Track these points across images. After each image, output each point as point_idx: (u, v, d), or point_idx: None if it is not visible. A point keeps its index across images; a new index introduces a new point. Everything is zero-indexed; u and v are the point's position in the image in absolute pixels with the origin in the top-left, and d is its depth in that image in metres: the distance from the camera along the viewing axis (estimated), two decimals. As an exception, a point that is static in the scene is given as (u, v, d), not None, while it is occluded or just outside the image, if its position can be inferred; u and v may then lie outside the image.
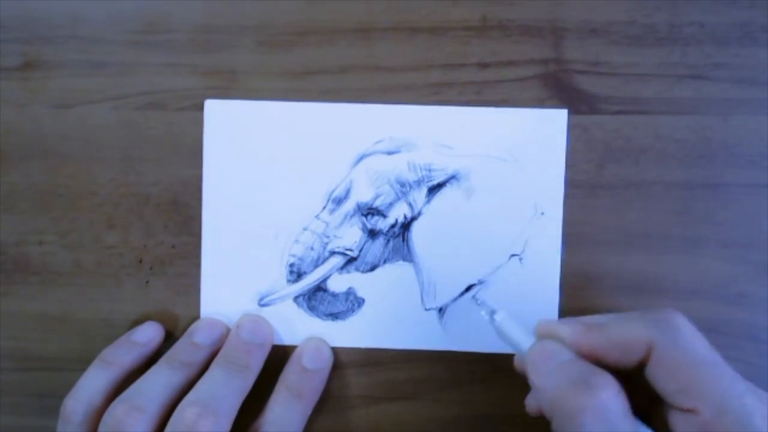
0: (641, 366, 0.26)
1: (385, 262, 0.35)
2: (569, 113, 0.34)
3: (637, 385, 0.26)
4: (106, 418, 0.30)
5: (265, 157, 0.34)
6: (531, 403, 0.29)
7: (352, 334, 0.35)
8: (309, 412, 0.33)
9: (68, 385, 0.35)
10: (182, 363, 0.32)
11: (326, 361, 0.34)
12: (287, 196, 0.34)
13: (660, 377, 0.25)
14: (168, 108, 0.35)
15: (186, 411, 0.29)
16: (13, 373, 0.36)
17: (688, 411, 0.24)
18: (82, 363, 0.35)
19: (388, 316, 0.35)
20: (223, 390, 0.31)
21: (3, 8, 0.35)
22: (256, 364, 0.33)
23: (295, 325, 0.35)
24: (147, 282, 0.35)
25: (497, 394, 0.35)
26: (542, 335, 0.28)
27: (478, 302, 0.31)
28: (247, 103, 0.34)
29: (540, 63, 0.34)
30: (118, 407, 0.30)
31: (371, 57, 0.34)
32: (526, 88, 0.34)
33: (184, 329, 0.34)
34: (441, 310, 0.34)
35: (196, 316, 0.35)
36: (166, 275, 0.35)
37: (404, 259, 0.35)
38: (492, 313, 0.30)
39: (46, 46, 0.35)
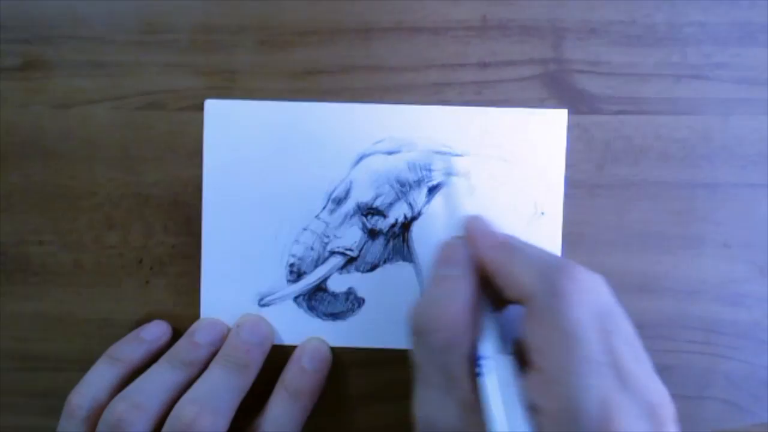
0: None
1: (385, 262, 0.35)
2: (569, 113, 0.34)
3: None
4: (106, 415, 0.30)
5: (265, 157, 0.34)
6: None
7: (352, 334, 0.35)
8: (308, 412, 0.33)
9: (68, 385, 0.35)
10: (183, 362, 0.32)
11: (325, 361, 0.34)
12: (287, 196, 0.34)
13: (526, 328, 0.26)
14: (168, 108, 0.35)
15: (184, 409, 0.29)
16: (13, 373, 0.36)
17: (539, 369, 0.24)
18: (82, 363, 0.35)
19: (388, 316, 0.35)
20: (222, 389, 0.31)
21: (3, 8, 0.35)
22: (255, 364, 0.33)
23: (295, 325, 0.35)
24: (147, 282, 0.35)
25: (497, 394, 0.35)
26: (466, 229, 0.29)
27: (448, 162, 0.32)
28: (247, 103, 0.34)
29: (540, 63, 0.34)
30: (118, 405, 0.30)
31: (371, 57, 0.34)
32: (526, 88, 0.34)
33: (185, 329, 0.34)
34: (441, 310, 0.34)
35: (197, 316, 0.35)
36: (166, 275, 0.35)
37: (404, 259, 0.35)
38: (449, 174, 0.31)
39: (46, 46, 0.35)
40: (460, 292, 0.27)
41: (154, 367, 0.32)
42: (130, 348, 0.33)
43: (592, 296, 0.25)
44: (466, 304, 0.27)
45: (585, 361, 0.23)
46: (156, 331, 0.34)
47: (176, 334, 0.35)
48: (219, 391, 0.31)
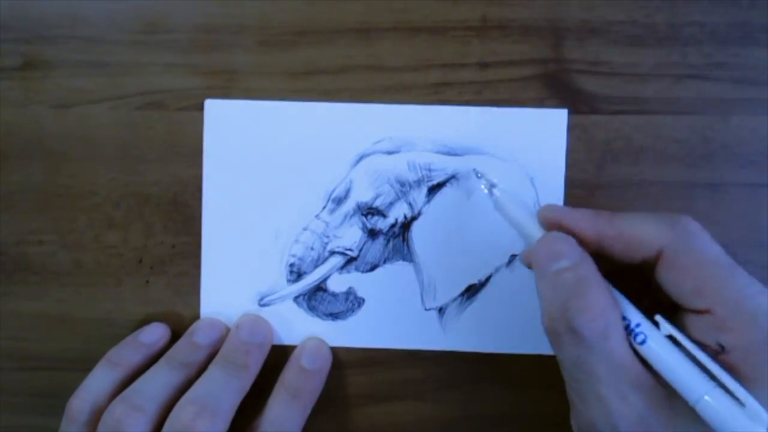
0: (648, 266, 0.26)
1: (385, 262, 0.35)
2: (569, 113, 0.34)
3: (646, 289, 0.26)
4: (106, 417, 0.30)
5: (265, 157, 0.34)
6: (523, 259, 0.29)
7: (352, 334, 0.35)
8: (308, 412, 0.33)
9: (68, 385, 0.35)
10: (182, 363, 0.32)
11: (325, 361, 0.34)
12: (287, 196, 0.34)
13: (672, 279, 0.25)
14: (168, 108, 0.35)
15: (183, 410, 0.29)
16: (13, 373, 0.36)
17: (702, 312, 0.24)
18: (81, 363, 0.35)
19: (388, 316, 0.35)
20: (221, 390, 0.31)
21: (3, 8, 0.35)
22: (254, 364, 0.33)
23: (295, 325, 0.35)
24: (147, 282, 0.35)
25: (497, 394, 0.35)
26: (547, 221, 0.28)
27: (478, 175, 0.31)
28: (247, 103, 0.34)
29: (540, 63, 0.34)
30: (117, 407, 0.30)
31: (371, 57, 0.34)
32: (526, 88, 0.34)
33: (185, 329, 0.35)
34: (441, 310, 0.34)
35: (196, 316, 0.35)
36: (166, 275, 0.35)
37: (404, 259, 0.35)
38: (491, 186, 0.30)
39: (46, 46, 0.35)
40: (592, 275, 0.25)
41: (153, 369, 0.32)
42: (129, 352, 0.33)
43: (705, 229, 0.26)
44: (603, 284, 0.25)
45: (749, 281, 0.24)
46: (155, 334, 0.34)
47: (175, 335, 0.35)
48: (218, 392, 0.31)
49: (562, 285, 0.25)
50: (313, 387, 0.33)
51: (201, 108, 0.34)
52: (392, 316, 0.35)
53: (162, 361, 0.32)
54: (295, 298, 0.35)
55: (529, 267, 0.29)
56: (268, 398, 0.33)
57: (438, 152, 0.34)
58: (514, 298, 0.34)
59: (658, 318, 0.25)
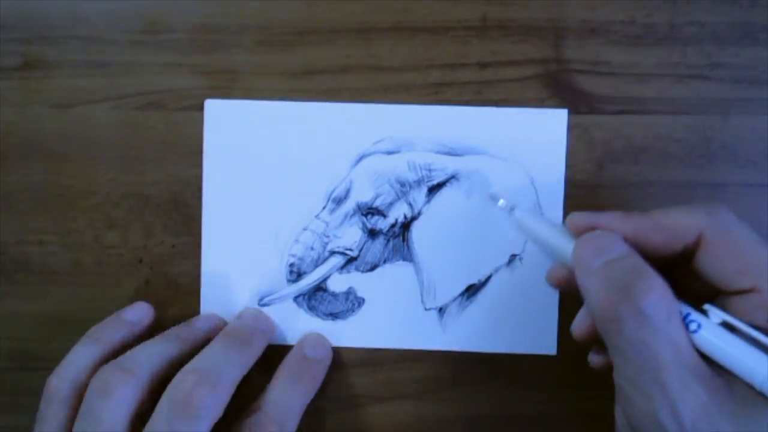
0: (686, 256, 0.26)
1: (385, 262, 0.35)
2: (569, 113, 0.34)
3: (684, 283, 0.26)
4: (93, 380, 0.29)
5: (265, 157, 0.34)
6: (578, 325, 0.28)
7: (352, 334, 0.35)
8: (309, 398, 0.33)
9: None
10: (178, 337, 0.32)
11: (327, 351, 0.34)
12: (287, 196, 0.34)
13: (714, 262, 0.25)
14: (168, 108, 0.35)
15: (183, 378, 0.29)
16: (13, 373, 0.36)
17: (748, 291, 0.24)
18: (82, 363, 0.35)
19: (388, 316, 0.35)
20: (223, 362, 0.30)
21: (3, 8, 0.35)
22: (258, 344, 0.32)
23: (295, 325, 0.35)
24: (147, 282, 0.35)
25: (497, 394, 0.35)
26: (577, 227, 0.27)
27: (496, 198, 0.31)
28: (247, 103, 0.34)
29: (540, 63, 0.34)
30: (105, 369, 0.29)
31: (371, 57, 0.34)
32: (526, 88, 0.34)
33: (184, 329, 0.35)
34: (441, 310, 0.34)
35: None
36: (166, 275, 0.35)
37: (404, 259, 0.35)
38: (511, 209, 0.30)
39: (46, 46, 0.35)
40: (641, 261, 0.25)
41: (146, 341, 0.31)
42: (111, 329, 0.32)
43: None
44: (653, 270, 0.25)
45: None
46: (139, 312, 0.34)
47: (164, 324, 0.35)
48: (219, 364, 0.30)
49: (617, 272, 0.25)
50: (315, 375, 0.33)
51: (201, 108, 0.34)
52: (392, 316, 0.35)
53: (157, 336, 0.32)
54: (295, 298, 0.35)
55: (558, 286, 0.29)
56: (270, 381, 0.33)
57: (438, 152, 0.34)
58: (514, 298, 0.34)
59: (707, 307, 0.25)
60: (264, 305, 0.35)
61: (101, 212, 0.35)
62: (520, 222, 0.30)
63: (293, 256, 0.34)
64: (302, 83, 0.34)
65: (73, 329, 0.35)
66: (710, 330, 0.24)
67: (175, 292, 0.35)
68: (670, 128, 0.34)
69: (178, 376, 0.29)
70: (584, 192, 0.34)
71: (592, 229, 0.27)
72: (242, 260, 0.35)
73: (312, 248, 0.34)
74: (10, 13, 0.35)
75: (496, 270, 0.34)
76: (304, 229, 0.34)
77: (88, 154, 0.35)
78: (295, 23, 0.34)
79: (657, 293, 0.24)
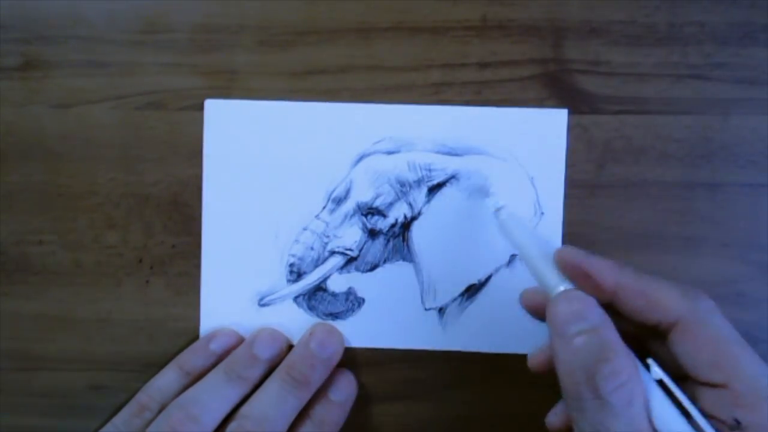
0: (660, 332, 0.26)
1: (385, 262, 0.35)
2: (569, 113, 0.34)
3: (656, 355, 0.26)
4: (161, 420, 0.31)
5: (265, 157, 0.34)
6: (552, 420, 0.29)
7: (352, 334, 0.35)
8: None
9: (68, 385, 0.35)
10: (240, 376, 0.32)
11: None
12: (287, 196, 0.34)
13: (689, 350, 0.25)
14: (168, 108, 0.35)
15: (239, 426, 0.30)
16: (13, 373, 0.36)
17: (717, 386, 0.24)
18: (81, 363, 0.35)
19: (388, 316, 0.35)
20: (277, 410, 0.31)
21: (3, 8, 0.35)
22: (316, 380, 0.33)
23: (295, 325, 0.35)
24: (147, 282, 0.35)
25: (497, 394, 0.35)
26: (565, 264, 0.27)
27: (486, 200, 0.31)
28: (247, 103, 0.34)
29: (540, 63, 0.34)
30: (174, 413, 0.31)
31: (371, 57, 0.34)
32: (526, 88, 0.34)
33: (184, 329, 0.35)
34: (441, 310, 0.34)
35: (197, 316, 0.35)
36: (166, 275, 0.35)
37: (404, 259, 0.35)
38: (497, 210, 0.30)
39: (46, 46, 0.35)
40: (615, 338, 0.25)
41: (212, 377, 0.32)
42: (200, 360, 0.33)
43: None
44: (625, 347, 0.25)
45: (760, 361, 0.24)
46: (223, 342, 0.34)
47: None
48: (274, 413, 0.31)
49: (585, 348, 0.25)
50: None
51: (201, 108, 0.34)
52: (392, 316, 0.35)
53: (221, 371, 0.32)
54: (295, 298, 0.35)
55: (528, 310, 0.29)
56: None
57: (438, 152, 0.34)
58: (514, 298, 0.34)
59: (650, 361, 0.25)
60: (264, 305, 0.35)
61: (101, 212, 0.35)
62: (504, 225, 0.29)
63: (293, 256, 0.34)
64: (302, 83, 0.34)
65: (73, 329, 0.35)
66: (661, 408, 0.24)
67: (175, 292, 0.35)
68: (670, 128, 0.34)
69: (233, 425, 0.31)
70: (584, 192, 0.34)
71: (579, 269, 0.26)
72: (242, 260, 0.35)
73: (312, 248, 0.34)
74: (10, 13, 0.35)
75: (496, 270, 0.34)
76: (304, 229, 0.34)
77: (88, 154, 0.35)
78: (295, 23, 0.34)
79: (620, 378, 0.24)
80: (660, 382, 0.25)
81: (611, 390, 0.24)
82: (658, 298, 0.26)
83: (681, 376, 0.25)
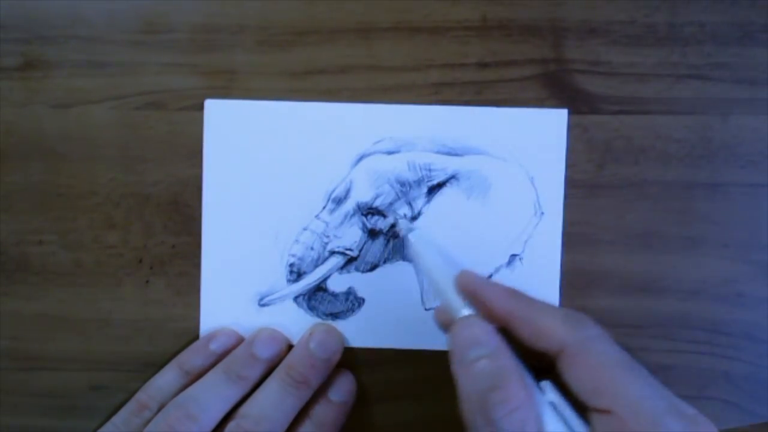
0: (550, 356, 0.26)
1: (385, 262, 0.35)
2: (569, 113, 0.34)
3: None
4: (159, 419, 0.31)
5: (265, 157, 0.34)
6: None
7: (352, 334, 0.35)
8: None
9: (68, 385, 0.35)
10: (239, 376, 0.32)
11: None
12: (287, 196, 0.34)
13: (573, 377, 0.25)
14: (168, 108, 0.35)
15: (238, 426, 0.30)
16: (13, 373, 0.36)
17: (603, 412, 0.24)
18: (81, 363, 0.35)
19: (388, 316, 0.35)
20: (276, 409, 0.31)
21: (3, 8, 0.35)
22: (316, 380, 0.33)
23: (295, 325, 0.35)
24: (147, 282, 0.35)
25: (497, 394, 0.35)
26: (463, 288, 0.28)
27: (397, 218, 0.32)
28: (247, 103, 0.34)
29: (540, 63, 0.34)
30: (172, 411, 0.31)
31: (371, 57, 0.34)
32: (526, 88, 0.34)
33: (185, 329, 0.35)
34: (441, 310, 0.34)
35: (197, 316, 0.35)
36: (166, 275, 0.35)
37: (404, 259, 0.35)
38: (409, 230, 0.30)
39: (46, 46, 0.35)
40: (509, 364, 0.25)
41: (212, 376, 0.32)
42: (200, 359, 0.33)
43: (601, 327, 0.26)
44: (520, 373, 0.25)
45: (646, 382, 0.24)
46: (224, 341, 0.34)
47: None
48: (273, 413, 0.31)
49: (479, 375, 0.25)
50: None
51: (201, 108, 0.34)
52: (392, 316, 0.35)
53: (220, 370, 0.32)
54: (295, 298, 0.35)
55: (441, 327, 0.29)
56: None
57: (438, 152, 0.34)
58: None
59: (542, 384, 0.25)
60: (264, 305, 0.35)
61: (101, 212, 0.35)
62: (412, 248, 0.30)
63: (293, 256, 0.34)
64: (302, 83, 0.34)
65: (73, 329, 0.35)
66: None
67: (175, 292, 0.35)
68: (670, 128, 0.34)
69: (232, 424, 0.30)
70: (584, 192, 0.34)
71: (474, 294, 0.27)
72: (242, 260, 0.35)
73: (312, 248, 0.34)
74: (10, 13, 0.35)
75: (496, 270, 0.34)
76: (304, 229, 0.34)
77: (88, 154, 0.35)
78: (295, 23, 0.34)
79: (510, 405, 0.24)
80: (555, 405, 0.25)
81: (502, 416, 0.24)
82: (541, 326, 0.26)
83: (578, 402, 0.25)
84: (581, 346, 0.25)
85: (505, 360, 0.26)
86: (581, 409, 0.25)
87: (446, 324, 0.29)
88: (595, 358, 0.25)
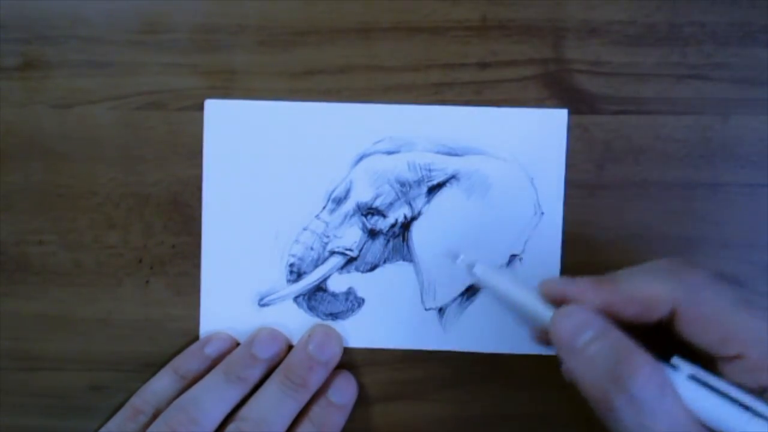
0: (667, 324, 0.25)
1: (385, 262, 0.35)
2: (569, 113, 0.34)
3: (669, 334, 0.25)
4: (159, 422, 0.31)
5: (265, 157, 0.34)
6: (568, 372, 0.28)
7: (352, 334, 0.35)
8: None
9: (68, 385, 0.35)
10: (239, 377, 0.32)
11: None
12: (287, 196, 0.34)
13: (695, 332, 0.25)
14: (168, 108, 0.35)
15: (238, 429, 0.30)
16: (13, 373, 0.36)
17: (734, 358, 0.24)
18: (81, 363, 0.35)
19: (388, 316, 0.35)
20: (275, 412, 0.31)
21: (3, 8, 0.35)
22: (315, 383, 0.33)
23: (295, 325, 0.35)
24: (147, 282, 0.35)
25: (497, 394, 0.35)
26: (550, 297, 0.27)
27: (458, 261, 0.31)
28: (247, 103, 0.34)
29: (540, 63, 0.34)
30: (173, 415, 0.31)
31: (371, 57, 0.34)
32: (526, 88, 0.34)
33: (185, 329, 0.35)
34: (441, 310, 0.34)
35: (197, 316, 0.35)
36: (166, 275, 0.35)
37: (404, 259, 0.35)
38: (470, 266, 0.29)
39: (46, 46, 0.35)
40: (623, 337, 0.24)
41: (212, 378, 0.32)
42: (195, 364, 0.33)
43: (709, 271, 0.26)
44: (633, 344, 0.24)
45: None
46: (219, 345, 0.34)
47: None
48: (272, 416, 0.31)
49: (596, 357, 0.24)
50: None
51: (201, 108, 0.34)
52: (392, 316, 0.35)
53: (220, 371, 0.32)
54: (295, 298, 0.35)
55: (540, 343, 0.29)
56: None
57: (438, 152, 0.34)
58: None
59: (675, 361, 0.25)
60: (264, 305, 0.35)
61: (101, 212, 0.35)
62: (483, 280, 0.29)
63: (293, 256, 0.34)
64: (302, 83, 0.34)
65: (73, 329, 0.35)
66: (687, 389, 0.24)
67: (175, 293, 0.35)
68: (670, 128, 0.34)
69: (232, 427, 0.30)
70: (584, 192, 0.34)
71: (564, 297, 0.26)
72: (242, 260, 0.35)
73: (312, 248, 0.34)
74: (10, 13, 0.35)
75: (496, 270, 0.34)
76: (304, 229, 0.34)
77: (88, 154, 0.35)
78: (295, 23, 0.34)
79: (644, 372, 0.23)
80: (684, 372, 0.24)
81: (640, 386, 0.23)
82: (645, 299, 0.25)
83: (698, 357, 0.25)
84: (692, 299, 0.25)
85: (616, 333, 0.25)
86: (707, 362, 0.24)
87: (543, 341, 0.28)
88: (710, 306, 0.24)
